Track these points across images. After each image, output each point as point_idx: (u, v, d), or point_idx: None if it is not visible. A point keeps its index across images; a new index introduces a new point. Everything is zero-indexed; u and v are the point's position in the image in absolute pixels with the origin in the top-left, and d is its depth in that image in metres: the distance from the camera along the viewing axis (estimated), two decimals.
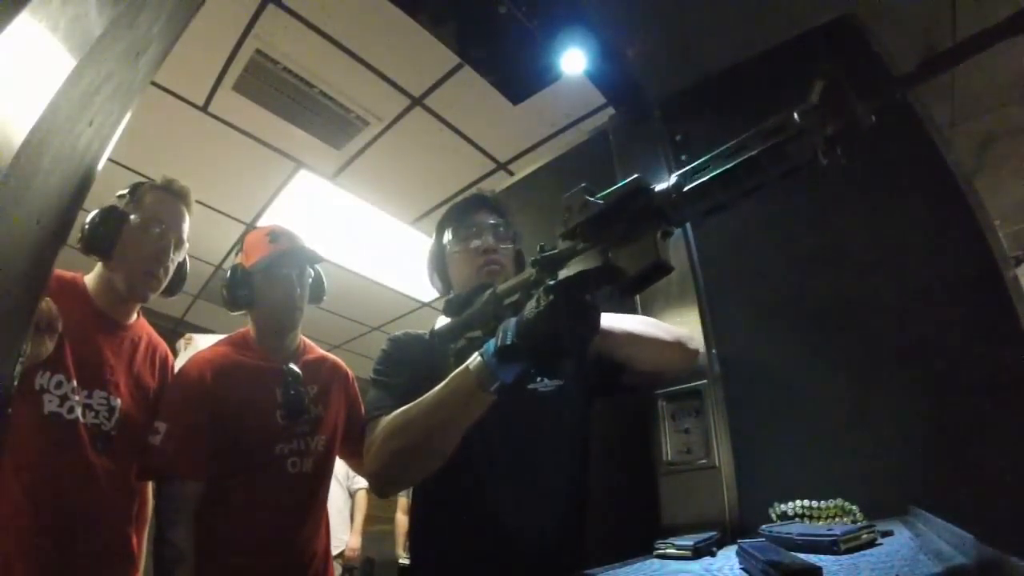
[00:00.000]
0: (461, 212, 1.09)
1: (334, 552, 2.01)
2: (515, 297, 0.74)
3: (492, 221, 1.07)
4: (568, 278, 0.64)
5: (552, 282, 0.65)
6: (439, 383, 0.78)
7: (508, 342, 0.66)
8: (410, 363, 0.97)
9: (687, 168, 0.57)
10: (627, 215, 0.60)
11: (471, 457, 0.83)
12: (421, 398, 0.80)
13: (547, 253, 0.69)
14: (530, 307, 0.67)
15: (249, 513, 1.20)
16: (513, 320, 0.68)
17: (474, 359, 0.73)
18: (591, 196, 0.64)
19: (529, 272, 0.72)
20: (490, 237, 1.05)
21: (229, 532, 1.18)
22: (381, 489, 0.88)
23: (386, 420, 0.85)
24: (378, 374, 0.97)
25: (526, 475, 0.93)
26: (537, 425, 0.95)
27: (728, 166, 0.53)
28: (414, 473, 0.86)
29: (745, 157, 0.52)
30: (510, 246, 1.07)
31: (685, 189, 0.56)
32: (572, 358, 0.70)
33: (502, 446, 0.91)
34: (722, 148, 0.54)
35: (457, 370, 0.75)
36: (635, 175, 0.61)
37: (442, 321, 0.86)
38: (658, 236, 0.58)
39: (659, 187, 0.59)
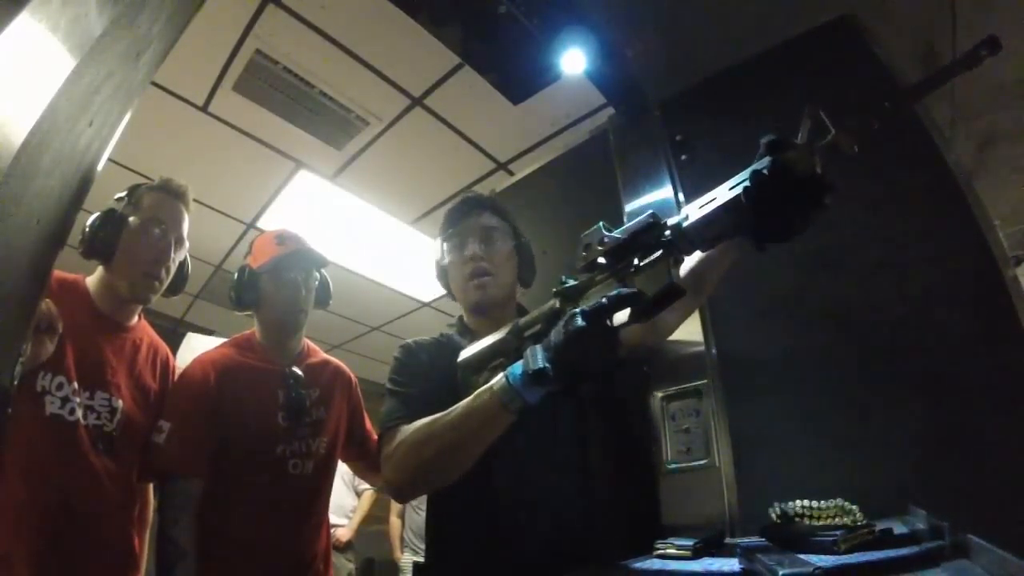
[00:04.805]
0: (449, 218, 1.09)
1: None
2: (536, 328, 0.77)
3: (482, 223, 1.05)
4: (592, 305, 0.67)
5: (577, 309, 0.68)
6: (455, 393, 0.80)
7: (539, 366, 0.68)
8: (422, 371, 0.98)
9: (696, 201, 0.63)
10: (642, 246, 0.67)
11: (483, 455, 0.85)
12: (443, 413, 0.82)
13: (568, 285, 0.75)
14: (557, 332, 0.69)
15: (250, 513, 1.20)
16: (539, 346, 0.71)
17: (498, 381, 0.75)
18: (608, 231, 0.70)
19: (551, 303, 0.77)
20: (475, 243, 1.03)
21: (230, 531, 1.18)
22: (399, 496, 0.95)
23: (406, 431, 0.86)
24: (393, 383, 0.98)
25: (536, 472, 0.94)
26: (545, 423, 0.96)
27: (730, 197, 0.58)
28: (432, 484, 0.91)
29: (744, 188, 0.57)
30: (498, 246, 1.05)
31: (693, 220, 0.62)
32: (596, 380, 0.73)
33: (511, 443, 0.92)
34: (726, 182, 0.60)
35: (480, 389, 0.77)
36: (649, 211, 0.68)
37: (467, 352, 0.88)
38: (671, 263, 0.65)
39: (671, 220, 0.65)
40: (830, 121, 0.53)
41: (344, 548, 3.11)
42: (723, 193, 0.59)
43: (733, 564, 0.64)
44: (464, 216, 1.07)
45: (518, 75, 1.69)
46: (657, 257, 0.66)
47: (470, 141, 2.57)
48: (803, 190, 0.55)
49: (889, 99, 0.55)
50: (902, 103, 0.58)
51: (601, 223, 0.71)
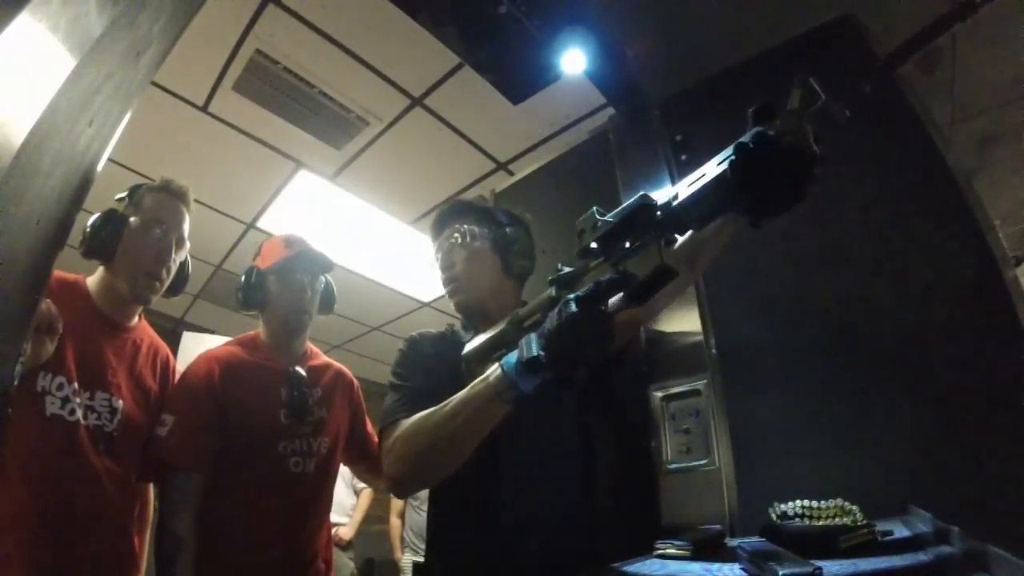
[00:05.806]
0: (432, 228, 1.13)
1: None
2: (535, 318, 0.76)
3: (446, 234, 1.09)
4: (583, 291, 0.67)
5: (570, 296, 0.68)
6: (460, 386, 0.80)
7: (533, 354, 0.68)
8: (425, 365, 0.98)
9: (686, 178, 0.60)
10: (633, 229, 0.65)
11: (483, 454, 0.85)
12: (441, 404, 0.82)
13: (563, 272, 0.74)
14: (550, 320, 0.69)
15: (250, 510, 1.21)
16: (534, 335, 0.70)
17: (494, 371, 0.75)
18: (602, 216, 0.68)
19: (547, 292, 0.76)
20: (446, 256, 1.08)
21: (230, 528, 1.18)
22: (397, 490, 0.93)
23: (404, 424, 0.87)
24: (396, 377, 0.99)
25: (537, 471, 0.94)
26: (546, 422, 0.96)
27: (718, 172, 0.56)
28: (429, 476, 0.90)
29: (729, 161, 0.55)
30: (458, 252, 1.07)
31: (681, 199, 0.60)
32: (589, 367, 0.72)
33: (513, 443, 0.92)
34: (714, 158, 0.57)
35: (476, 380, 0.77)
36: (641, 192, 0.66)
37: (472, 343, 0.88)
38: (662, 244, 0.62)
39: (660, 200, 0.63)
40: (820, 87, 0.52)
41: (346, 546, 3.15)
42: (711, 169, 0.57)
43: (733, 564, 0.64)
44: (437, 234, 1.12)
45: (518, 75, 1.69)
46: (647, 240, 0.64)
47: (470, 141, 2.57)
48: (789, 161, 0.53)
49: (885, 61, 0.53)
50: (896, 60, 0.56)
51: (595, 208, 0.69)
